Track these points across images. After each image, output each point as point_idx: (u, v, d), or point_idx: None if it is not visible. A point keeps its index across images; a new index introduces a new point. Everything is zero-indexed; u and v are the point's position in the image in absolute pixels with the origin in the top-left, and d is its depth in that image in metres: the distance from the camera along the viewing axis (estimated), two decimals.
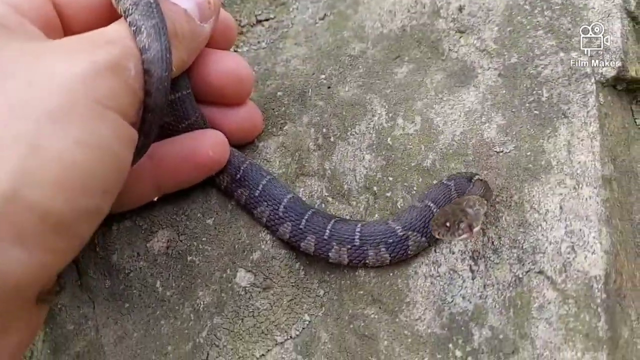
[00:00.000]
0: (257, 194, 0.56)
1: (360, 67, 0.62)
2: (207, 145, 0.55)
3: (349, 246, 0.53)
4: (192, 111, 0.55)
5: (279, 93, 0.62)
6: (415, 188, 0.55)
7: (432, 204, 0.52)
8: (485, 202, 0.49)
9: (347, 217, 0.56)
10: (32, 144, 0.36)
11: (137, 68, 0.44)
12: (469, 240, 0.49)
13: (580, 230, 0.50)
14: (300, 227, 0.55)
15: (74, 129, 0.38)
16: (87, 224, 0.41)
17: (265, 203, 0.56)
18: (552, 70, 0.56)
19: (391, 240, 0.52)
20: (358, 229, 0.53)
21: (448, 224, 0.47)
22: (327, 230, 0.54)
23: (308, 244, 0.54)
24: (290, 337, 0.53)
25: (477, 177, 0.52)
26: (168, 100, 0.49)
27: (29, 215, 0.36)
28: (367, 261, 0.53)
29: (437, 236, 0.48)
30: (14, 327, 0.42)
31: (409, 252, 0.53)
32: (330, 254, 0.54)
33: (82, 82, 0.39)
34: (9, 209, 0.35)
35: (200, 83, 0.55)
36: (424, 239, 0.52)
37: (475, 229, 0.46)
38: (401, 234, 0.52)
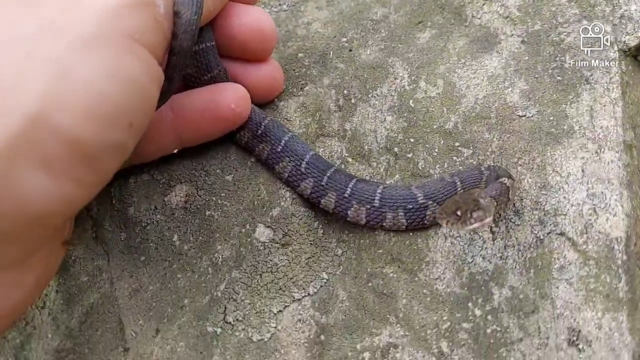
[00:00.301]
0: (279, 150, 0.56)
1: (382, 31, 0.62)
2: (229, 99, 0.54)
3: (369, 206, 0.53)
4: (215, 64, 0.55)
5: (299, 55, 0.62)
6: (436, 150, 0.55)
7: (459, 183, 0.52)
8: (495, 203, 0.49)
9: (368, 178, 0.56)
10: (63, 68, 0.36)
11: (167, 7, 0.44)
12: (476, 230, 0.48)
13: (602, 193, 0.50)
14: (322, 183, 0.54)
15: (105, 59, 0.38)
16: (113, 158, 0.40)
17: (288, 159, 0.55)
18: (574, 38, 0.56)
19: (410, 206, 0.52)
20: (379, 191, 0.53)
21: (459, 213, 0.46)
22: (349, 189, 0.54)
23: (328, 201, 0.54)
24: (308, 294, 0.53)
25: (503, 179, 0.51)
26: (194, 47, 0.48)
27: (56, 141, 0.35)
28: (384, 224, 0.53)
29: (444, 225, 0.47)
30: (33, 261, 0.42)
31: (425, 221, 0.53)
32: (349, 212, 0.54)
33: (113, 13, 0.39)
34: (36, 132, 0.35)
35: (223, 36, 0.55)
36: None
37: (487, 220, 0.45)
38: (422, 201, 0.52)
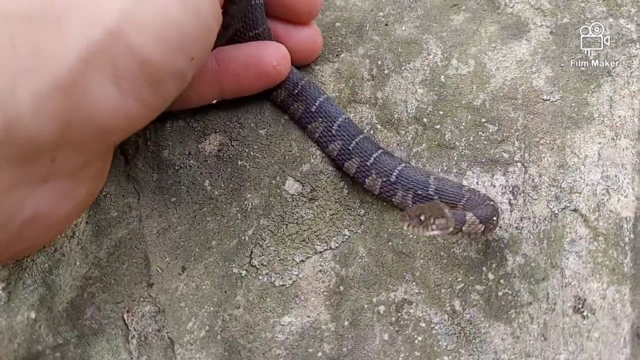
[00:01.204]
0: (313, 110, 0.58)
1: (418, 9, 0.65)
2: (272, 56, 0.57)
3: (385, 179, 0.56)
4: (261, 22, 0.57)
5: (337, 24, 0.65)
6: (463, 124, 0.58)
7: (467, 194, 0.54)
8: (483, 227, 0.51)
9: (395, 145, 0.59)
10: None
11: None
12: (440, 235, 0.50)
13: (616, 176, 0.54)
14: (349, 147, 0.57)
15: None
16: (173, 86, 0.42)
17: (320, 119, 0.58)
18: (600, 33, 0.60)
19: (420, 193, 0.55)
20: (399, 168, 0.56)
21: (422, 218, 0.48)
22: (372, 158, 0.56)
23: (351, 165, 0.57)
24: (330, 247, 0.56)
25: (493, 202, 0.53)
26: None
27: (129, 58, 0.37)
28: (393, 199, 0.56)
29: (404, 226, 0.49)
30: (85, 174, 0.43)
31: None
32: (366, 180, 0.56)
33: None
34: (112, 46, 0.36)
35: None
36: None
37: (449, 229, 0.47)
38: (431, 192, 0.55)
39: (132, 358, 0.52)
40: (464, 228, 0.50)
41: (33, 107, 0.34)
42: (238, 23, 0.53)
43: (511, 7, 0.63)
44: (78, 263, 0.54)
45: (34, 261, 0.54)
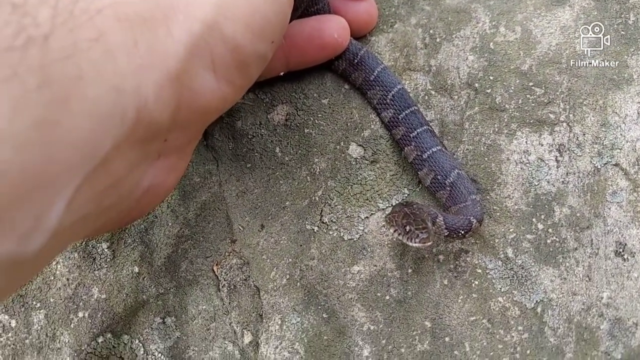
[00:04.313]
0: (371, 79, 0.63)
1: None
2: (333, 29, 0.62)
3: (419, 153, 0.61)
4: None
5: None
6: (512, 88, 0.63)
7: (470, 201, 0.58)
8: (479, 225, 0.56)
9: (449, 110, 0.64)
10: None
11: None
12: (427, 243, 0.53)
13: None
14: (399, 117, 0.62)
15: None
16: (258, 67, 0.48)
17: (378, 87, 0.63)
18: None
19: (439, 178, 0.60)
20: (434, 149, 0.60)
21: (407, 229, 0.52)
22: (415, 132, 0.61)
23: (397, 132, 0.62)
24: (391, 205, 0.62)
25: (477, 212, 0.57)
26: None
27: (222, 47, 0.43)
28: (419, 173, 0.61)
29: (390, 230, 0.54)
30: (187, 149, 0.50)
31: (437, 195, 0.61)
32: (405, 148, 0.62)
33: None
34: (210, 37, 0.42)
35: None
36: (449, 203, 0.60)
37: (428, 244, 0.52)
38: (448, 182, 0.59)
39: (224, 304, 0.60)
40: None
41: (155, 95, 0.40)
42: (304, 5, 0.58)
43: None
44: (170, 223, 0.61)
45: (132, 223, 0.61)
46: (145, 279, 0.60)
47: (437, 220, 0.55)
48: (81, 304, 0.58)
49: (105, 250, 0.60)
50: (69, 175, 0.35)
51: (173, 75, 0.40)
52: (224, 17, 0.42)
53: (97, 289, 0.59)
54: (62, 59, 0.33)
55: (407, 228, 0.52)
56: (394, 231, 0.54)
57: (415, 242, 0.52)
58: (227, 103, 0.48)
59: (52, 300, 0.59)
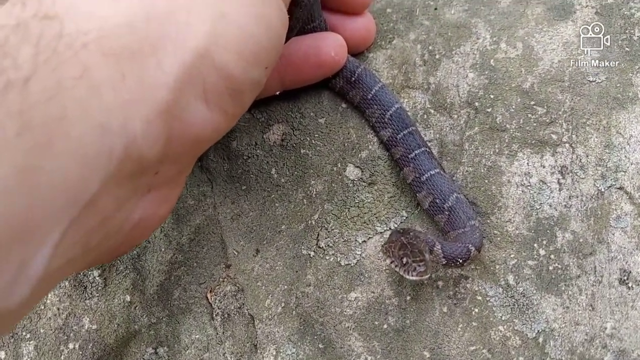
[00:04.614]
0: (369, 97, 0.62)
1: None
2: (329, 47, 0.60)
3: (417, 175, 0.59)
4: (318, 14, 0.60)
5: (388, 10, 0.67)
6: (513, 107, 0.61)
7: (469, 227, 0.57)
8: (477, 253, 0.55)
9: (449, 129, 0.62)
10: (221, 11, 0.41)
11: None
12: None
13: None
14: (397, 137, 0.61)
15: (252, 4, 0.43)
16: (251, 94, 0.46)
17: (376, 106, 0.62)
18: None
19: (438, 201, 0.58)
20: (432, 172, 0.59)
21: (404, 261, 0.51)
22: (413, 153, 0.60)
23: (396, 152, 0.61)
24: (389, 228, 0.60)
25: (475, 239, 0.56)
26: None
27: (215, 75, 0.41)
28: (418, 195, 0.60)
29: (387, 261, 0.53)
30: (180, 180, 0.48)
31: (435, 219, 0.59)
32: (405, 169, 0.60)
33: None
34: (201, 66, 0.40)
35: None
36: (447, 227, 0.58)
37: (425, 277, 0.51)
38: (447, 206, 0.57)
39: (217, 333, 0.58)
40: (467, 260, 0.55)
41: (144, 131, 0.38)
42: (300, 24, 0.56)
43: None
44: (163, 249, 0.60)
45: (121, 256, 0.60)
46: (137, 308, 0.58)
47: (435, 248, 0.54)
48: (72, 334, 0.57)
49: (97, 278, 0.59)
50: (54, 221, 0.33)
51: (163, 107, 0.39)
52: (216, 45, 0.41)
53: (88, 318, 0.58)
54: (44, 101, 0.32)
55: (404, 260, 0.51)
56: (391, 262, 0.52)
57: (412, 276, 0.51)
58: (220, 132, 0.46)
59: (42, 330, 0.57)
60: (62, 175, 0.32)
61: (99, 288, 0.58)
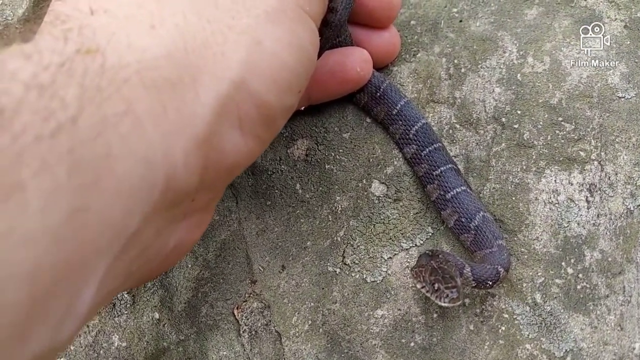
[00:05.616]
0: (394, 113, 0.61)
1: (492, 4, 0.66)
2: (355, 62, 0.59)
3: (442, 192, 0.59)
4: (344, 29, 0.60)
5: (412, 22, 0.67)
6: (541, 123, 0.61)
7: (496, 247, 0.56)
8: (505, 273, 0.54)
9: (475, 145, 0.62)
10: (255, 39, 0.41)
11: None
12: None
13: None
14: (422, 153, 0.60)
15: (285, 30, 0.43)
16: (284, 119, 0.46)
17: (400, 122, 0.61)
18: None
19: (463, 220, 0.57)
20: (458, 190, 0.58)
21: (436, 286, 0.50)
22: (439, 170, 0.59)
23: (420, 169, 0.60)
24: (415, 245, 0.60)
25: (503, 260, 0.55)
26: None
27: (249, 104, 0.41)
28: (442, 212, 0.59)
29: (417, 285, 0.52)
30: (213, 204, 0.48)
31: (460, 238, 0.59)
32: (428, 186, 0.60)
33: None
34: (237, 95, 0.40)
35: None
36: (473, 247, 0.58)
37: (458, 303, 0.50)
38: (473, 225, 0.57)
39: (245, 350, 0.59)
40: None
41: (183, 162, 0.38)
42: (330, 43, 0.56)
43: (585, 0, 0.64)
44: (190, 265, 0.60)
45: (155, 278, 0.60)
46: (165, 325, 0.59)
47: (465, 271, 0.54)
48: (102, 352, 0.58)
49: (125, 296, 0.59)
50: (100, 258, 0.33)
51: (201, 138, 0.39)
52: (251, 74, 0.41)
53: (117, 336, 0.58)
54: (91, 140, 0.32)
55: (436, 286, 0.51)
56: (422, 287, 0.52)
57: (444, 302, 0.50)
58: (253, 158, 0.47)
59: (72, 348, 0.58)
60: (108, 212, 0.32)
61: (128, 305, 0.59)
